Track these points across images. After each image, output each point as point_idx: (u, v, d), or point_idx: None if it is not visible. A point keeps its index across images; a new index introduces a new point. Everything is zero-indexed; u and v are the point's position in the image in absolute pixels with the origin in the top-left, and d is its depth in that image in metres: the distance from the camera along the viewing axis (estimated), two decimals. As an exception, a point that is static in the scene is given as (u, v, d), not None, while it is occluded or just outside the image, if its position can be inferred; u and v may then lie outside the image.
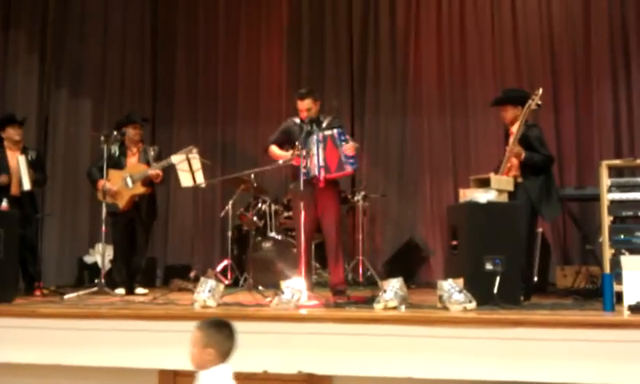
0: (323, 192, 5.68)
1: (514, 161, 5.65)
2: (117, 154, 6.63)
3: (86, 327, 4.69)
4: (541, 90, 5.62)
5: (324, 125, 5.83)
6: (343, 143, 5.60)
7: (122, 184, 6.47)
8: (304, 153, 5.49)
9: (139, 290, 6.48)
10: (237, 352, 4.39)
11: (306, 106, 5.81)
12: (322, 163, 5.56)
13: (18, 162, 6.49)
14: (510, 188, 5.34)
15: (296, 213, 5.81)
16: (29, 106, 8.04)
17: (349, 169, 5.62)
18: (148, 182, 6.52)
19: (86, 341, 4.65)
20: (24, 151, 6.64)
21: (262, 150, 6.23)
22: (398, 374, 4.20)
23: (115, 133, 6.50)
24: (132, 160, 6.64)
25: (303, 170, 5.48)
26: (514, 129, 5.72)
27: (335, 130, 5.66)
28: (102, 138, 6.35)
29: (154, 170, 6.40)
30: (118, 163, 6.59)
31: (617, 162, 5.67)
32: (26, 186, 6.45)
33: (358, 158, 5.81)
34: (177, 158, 6.30)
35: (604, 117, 8.26)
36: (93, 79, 8.97)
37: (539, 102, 5.59)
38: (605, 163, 5.37)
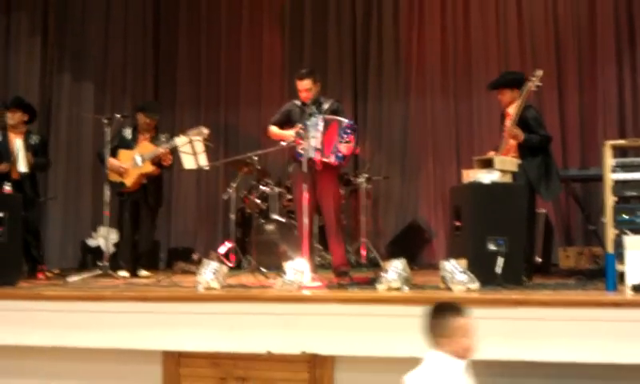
0: (321, 174, 5.66)
1: (512, 142, 5.66)
2: (129, 136, 6.69)
3: (90, 309, 4.70)
4: (541, 72, 5.58)
5: (325, 107, 5.80)
6: (344, 138, 5.53)
7: (132, 163, 6.51)
8: (304, 134, 5.47)
9: (143, 273, 6.50)
10: (241, 333, 4.43)
11: (305, 86, 5.77)
12: (318, 146, 5.52)
13: (16, 145, 6.49)
14: (514, 168, 5.34)
15: (296, 195, 5.80)
16: (31, 90, 8.02)
17: (332, 159, 5.52)
18: (157, 162, 6.54)
19: (90, 323, 4.67)
20: (27, 135, 6.62)
21: (263, 132, 6.22)
22: (401, 354, 4.20)
23: (118, 116, 6.50)
24: (143, 142, 6.67)
25: (302, 152, 5.46)
26: (511, 111, 5.72)
27: (346, 121, 5.60)
28: (105, 120, 6.36)
29: (165, 149, 6.41)
30: (129, 146, 6.64)
31: (621, 142, 5.66)
32: (21, 168, 6.43)
33: (348, 160, 5.80)
34: (181, 140, 6.32)
35: (608, 98, 8.21)
36: (95, 62, 8.95)
37: (539, 84, 5.57)
38: (609, 143, 5.35)
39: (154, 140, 6.66)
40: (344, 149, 5.52)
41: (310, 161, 5.51)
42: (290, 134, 5.70)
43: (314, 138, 5.50)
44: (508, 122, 5.69)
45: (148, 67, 9.56)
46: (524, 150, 5.65)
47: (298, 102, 5.89)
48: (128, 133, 6.71)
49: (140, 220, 6.68)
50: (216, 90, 9.54)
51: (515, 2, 8.67)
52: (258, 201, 7.46)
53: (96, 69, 8.94)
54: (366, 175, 7.96)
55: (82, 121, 8.42)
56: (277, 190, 7.53)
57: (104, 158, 6.49)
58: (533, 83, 5.54)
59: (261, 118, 8.96)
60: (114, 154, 6.55)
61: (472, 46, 8.78)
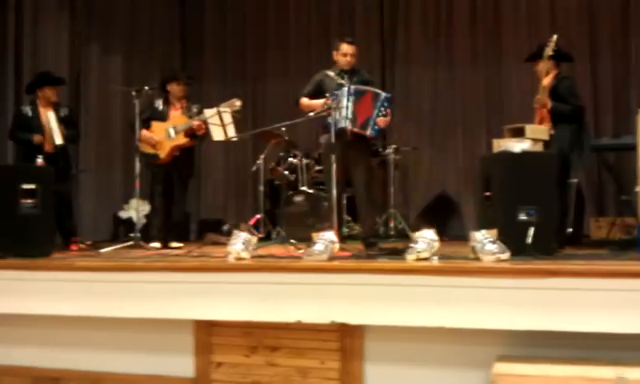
0: (353, 145, 5.63)
1: (545, 112, 5.70)
2: (160, 107, 6.69)
3: (123, 280, 4.75)
4: (555, 37, 5.65)
5: (361, 73, 5.81)
6: (382, 111, 5.51)
7: (165, 135, 6.53)
8: (334, 104, 5.44)
9: (174, 244, 6.55)
10: (271, 302, 4.46)
11: (352, 50, 5.78)
12: (350, 116, 5.49)
13: (48, 119, 6.56)
14: (546, 137, 5.29)
15: (327, 166, 5.78)
16: (60, 63, 8.07)
17: (369, 132, 5.51)
18: (190, 134, 6.56)
19: (122, 293, 4.72)
20: (56, 107, 6.69)
21: (293, 103, 6.19)
22: (430, 324, 4.21)
23: (147, 88, 6.48)
24: (175, 114, 6.68)
25: (332, 122, 5.44)
26: (545, 82, 5.77)
27: (384, 94, 5.58)
28: (134, 93, 6.37)
29: (198, 121, 6.43)
30: (161, 117, 6.65)
31: (655, 109, 5.53)
32: (58, 140, 6.54)
33: (382, 132, 5.86)
34: (210, 112, 6.32)
35: (641, 65, 8.06)
36: (122, 35, 8.99)
37: (555, 48, 5.64)
38: (642, 111, 5.25)
39: (186, 111, 6.67)
40: (382, 123, 5.50)
41: (341, 131, 5.48)
42: (318, 103, 5.68)
43: (345, 108, 5.47)
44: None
45: (175, 39, 9.58)
46: (556, 119, 5.67)
47: (329, 72, 5.85)
48: (159, 104, 6.70)
49: (173, 191, 6.72)
50: (243, 62, 9.54)
51: (546, -33, 8.50)
52: (287, 172, 7.46)
53: (123, 41, 8.97)
54: (395, 146, 7.91)
55: (112, 92, 8.47)
56: (305, 161, 7.52)
57: (135, 130, 6.52)
58: (549, 48, 5.62)
59: (289, 90, 8.94)
60: (147, 126, 6.57)
61: (502, 14, 8.65)
